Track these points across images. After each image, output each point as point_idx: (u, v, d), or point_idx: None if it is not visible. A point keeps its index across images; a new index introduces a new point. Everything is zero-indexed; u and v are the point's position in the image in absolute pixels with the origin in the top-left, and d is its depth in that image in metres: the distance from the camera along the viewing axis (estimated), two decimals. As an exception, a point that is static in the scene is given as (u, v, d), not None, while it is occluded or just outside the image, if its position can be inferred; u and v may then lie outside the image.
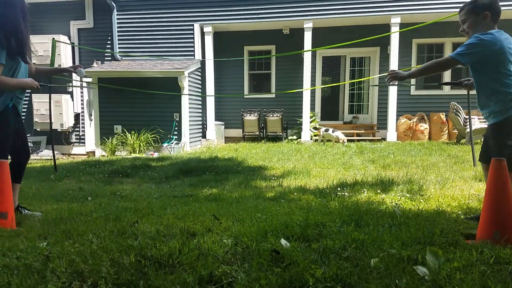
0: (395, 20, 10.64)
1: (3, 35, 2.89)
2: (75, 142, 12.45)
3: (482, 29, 2.83)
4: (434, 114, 11.21)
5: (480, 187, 4.40)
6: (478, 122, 9.59)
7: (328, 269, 2.06)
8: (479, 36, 2.73)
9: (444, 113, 11.03)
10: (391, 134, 10.99)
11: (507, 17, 10.53)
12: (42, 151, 11.81)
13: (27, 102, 12.36)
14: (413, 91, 11.92)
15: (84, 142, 12.34)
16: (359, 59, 12.57)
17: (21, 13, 3.01)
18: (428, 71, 3.05)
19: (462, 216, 3.22)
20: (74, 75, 12.01)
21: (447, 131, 11.12)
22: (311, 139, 11.37)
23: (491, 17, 2.84)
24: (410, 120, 11.23)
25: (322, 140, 10.49)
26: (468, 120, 6.70)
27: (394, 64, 10.81)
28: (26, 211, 3.35)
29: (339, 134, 9.90)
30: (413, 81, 11.85)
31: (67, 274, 2.07)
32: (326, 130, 10.25)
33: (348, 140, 10.24)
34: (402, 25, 10.54)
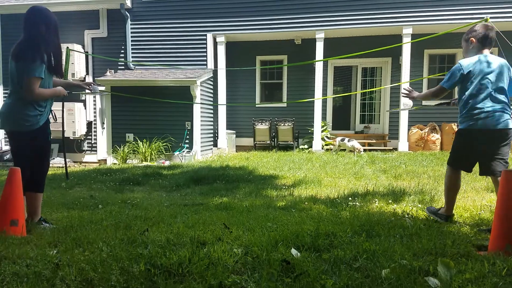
0: (407, 30, 10.62)
1: (46, 54, 3.22)
2: (87, 150, 12.60)
3: (471, 54, 3.34)
4: (446, 124, 11.09)
5: (492, 198, 4.32)
6: (492, 133, 9.44)
7: (339, 279, 2.04)
8: (458, 64, 3.32)
9: (456, 124, 10.89)
10: (403, 144, 10.90)
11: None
12: (54, 158, 11.96)
13: (41, 110, 12.57)
14: (424, 101, 11.82)
15: (96, 150, 12.47)
16: (370, 69, 12.54)
17: (58, 35, 3.38)
18: (430, 97, 3.62)
19: (474, 228, 3.16)
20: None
21: (459, 142, 10.98)
22: (322, 148, 11.33)
23: (477, 41, 3.30)
24: (421, 130, 11.13)
25: (336, 150, 10.46)
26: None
27: (406, 75, 10.75)
28: (46, 224, 3.38)
29: (355, 143, 9.86)
30: (424, 91, 11.76)
31: (76, 282, 2.09)
32: (342, 140, 10.22)
33: (359, 150, 10.19)
34: (414, 36, 10.50)
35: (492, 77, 3.16)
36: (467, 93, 3.21)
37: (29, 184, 3.23)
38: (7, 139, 11.44)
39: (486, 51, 3.27)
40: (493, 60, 3.22)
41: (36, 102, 3.27)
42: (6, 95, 3.26)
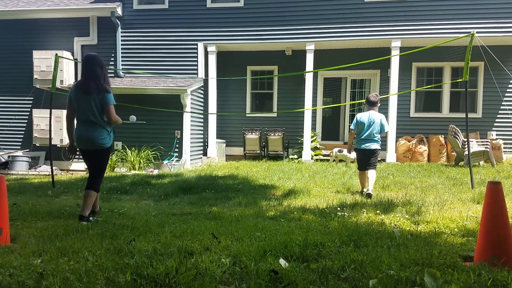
0: (396, 43, 10.80)
1: (109, 86, 4.27)
2: (74, 158, 12.43)
3: (365, 110, 6.20)
4: (433, 136, 11.25)
5: (478, 209, 4.38)
6: (476, 145, 9.61)
7: (326, 290, 2.04)
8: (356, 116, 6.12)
9: (443, 136, 11.07)
10: (391, 156, 11.00)
11: (502, 43, 10.71)
12: (40, 166, 11.79)
13: (27, 117, 12.43)
14: (412, 113, 11.99)
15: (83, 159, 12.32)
16: (359, 81, 12.69)
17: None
18: (350, 140, 6.39)
19: (460, 238, 3.20)
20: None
21: (445, 154, 11.14)
22: (312, 158, 11.37)
23: (367, 104, 6.14)
24: (409, 142, 11.26)
25: (334, 160, 10.48)
26: (466, 142, 6.73)
27: (394, 87, 10.91)
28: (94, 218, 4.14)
29: (354, 154, 9.94)
30: (412, 105, 11.94)
31: (61, 291, 2.05)
32: (340, 151, 10.26)
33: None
34: (402, 49, 10.69)
35: (372, 124, 5.89)
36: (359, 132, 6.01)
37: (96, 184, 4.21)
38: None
39: (371, 109, 6.00)
40: (375, 115, 5.91)
41: (108, 126, 4.27)
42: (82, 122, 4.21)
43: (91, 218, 4.07)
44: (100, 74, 4.16)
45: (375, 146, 5.95)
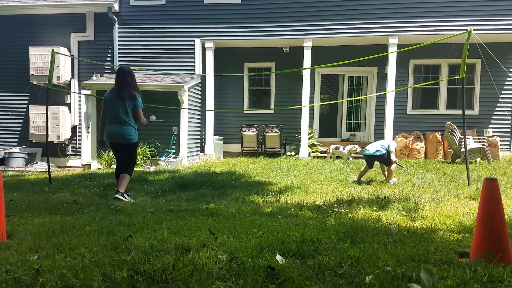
0: (393, 40, 10.80)
1: (140, 94, 5.21)
2: (71, 155, 12.42)
3: None
4: (430, 133, 11.28)
5: (475, 206, 4.40)
6: (473, 142, 9.64)
7: (323, 286, 2.05)
8: None
9: (439, 133, 11.11)
10: (388, 152, 11.02)
11: (499, 40, 10.73)
12: (37, 163, 11.76)
13: (23, 113, 12.37)
14: (409, 110, 12.01)
15: (80, 155, 12.30)
16: (357, 78, 12.70)
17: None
18: None
19: (456, 235, 3.21)
20: (72, 86, 12.06)
21: (442, 150, 11.17)
22: (309, 155, 11.38)
23: None
24: (406, 139, 11.28)
25: (331, 157, 10.50)
26: (463, 139, 6.76)
27: (391, 84, 10.92)
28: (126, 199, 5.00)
29: (348, 148, 10.00)
30: (409, 102, 11.96)
31: None
32: (337, 148, 10.28)
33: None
34: (399, 46, 10.70)
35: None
36: None
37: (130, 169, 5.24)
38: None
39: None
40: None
41: (136, 124, 5.21)
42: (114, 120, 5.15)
43: (125, 195, 5.09)
44: (131, 82, 5.14)
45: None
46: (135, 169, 9.79)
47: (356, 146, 10.03)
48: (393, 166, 6.68)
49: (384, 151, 6.65)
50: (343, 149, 10.12)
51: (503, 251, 2.37)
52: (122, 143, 5.14)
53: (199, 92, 11.99)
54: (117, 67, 5.24)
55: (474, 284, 2.04)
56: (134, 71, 5.62)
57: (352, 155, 10.21)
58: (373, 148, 6.77)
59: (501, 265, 2.28)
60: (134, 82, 5.19)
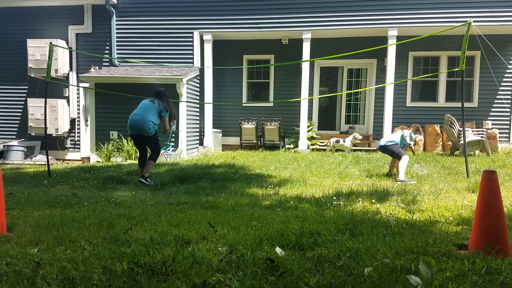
0: (392, 32, 10.75)
1: (169, 109, 6.29)
2: (70, 148, 12.40)
3: None
4: (429, 125, 11.28)
5: (473, 198, 4.42)
6: (472, 135, 9.65)
7: (322, 277, 2.06)
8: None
9: (438, 125, 11.11)
10: (387, 145, 11.03)
11: (499, 32, 10.69)
12: (36, 156, 11.74)
13: (22, 106, 12.33)
14: (408, 102, 12.00)
15: (79, 148, 12.29)
16: (356, 70, 12.66)
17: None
18: None
19: (455, 227, 3.23)
20: (70, 79, 12.01)
21: (441, 143, 11.19)
22: (308, 148, 11.39)
23: None
24: (405, 131, 11.29)
25: (330, 150, 10.51)
26: (462, 132, 6.77)
27: (390, 76, 10.89)
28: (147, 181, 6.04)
29: (348, 139, 9.98)
30: (408, 94, 11.95)
31: (58, 281, 2.06)
32: (337, 142, 10.26)
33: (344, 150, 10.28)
34: (399, 38, 10.65)
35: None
36: None
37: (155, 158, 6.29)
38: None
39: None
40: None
41: (158, 126, 6.23)
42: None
43: (148, 179, 6.07)
44: (166, 100, 6.26)
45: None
46: (133, 162, 9.86)
47: (357, 134, 10.01)
48: (403, 160, 6.28)
49: (396, 142, 6.53)
50: (344, 141, 10.11)
51: (502, 243, 2.38)
52: (142, 135, 6.14)
53: (198, 85, 11.95)
54: (157, 89, 6.42)
55: (473, 276, 2.06)
56: (132, 63, 5.77)
57: (352, 148, 10.21)
58: (385, 139, 6.76)
59: (499, 257, 2.29)
60: (168, 101, 6.30)
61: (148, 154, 6.33)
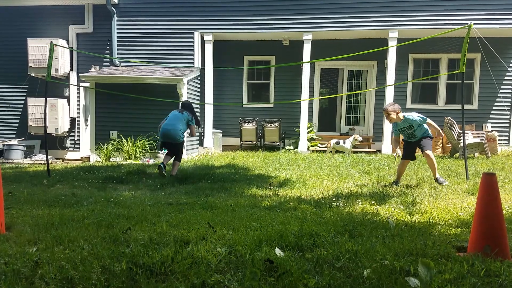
0: (393, 34, 10.76)
1: (195, 118, 7.18)
2: (69, 147, 12.40)
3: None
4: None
5: (473, 200, 4.42)
6: (472, 137, 9.65)
7: (321, 279, 2.06)
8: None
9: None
10: (386, 147, 11.04)
11: (499, 34, 10.70)
12: (35, 155, 11.74)
13: (22, 106, 12.33)
14: (409, 104, 12.00)
15: (79, 147, 12.29)
16: (356, 72, 12.67)
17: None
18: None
19: (454, 229, 3.22)
20: (71, 79, 12.01)
21: (441, 145, 11.19)
22: (308, 149, 11.39)
23: None
24: (405, 133, 11.28)
25: (330, 152, 10.50)
26: (462, 134, 6.78)
27: (390, 78, 10.89)
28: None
29: (349, 141, 9.95)
30: (408, 96, 11.95)
31: (56, 280, 2.05)
32: (337, 143, 10.25)
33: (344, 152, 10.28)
34: (399, 40, 10.65)
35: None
36: None
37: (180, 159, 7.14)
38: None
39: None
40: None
41: (185, 132, 7.08)
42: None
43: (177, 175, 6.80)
44: (191, 110, 7.16)
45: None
46: (133, 162, 9.88)
47: (357, 135, 10.00)
48: (431, 155, 5.70)
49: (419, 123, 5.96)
50: (344, 143, 10.09)
51: (501, 246, 2.38)
52: (173, 142, 6.91)
53: (198, 85, 11.96)
54: (183, 101, 7.62)
55: (472, 278, 2.06)
56: (132, 63, 5.76)
57: (352, 149, 10.20)
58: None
59: (498, 260, 2.29)
60: (194, 113, 7.19)
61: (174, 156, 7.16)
